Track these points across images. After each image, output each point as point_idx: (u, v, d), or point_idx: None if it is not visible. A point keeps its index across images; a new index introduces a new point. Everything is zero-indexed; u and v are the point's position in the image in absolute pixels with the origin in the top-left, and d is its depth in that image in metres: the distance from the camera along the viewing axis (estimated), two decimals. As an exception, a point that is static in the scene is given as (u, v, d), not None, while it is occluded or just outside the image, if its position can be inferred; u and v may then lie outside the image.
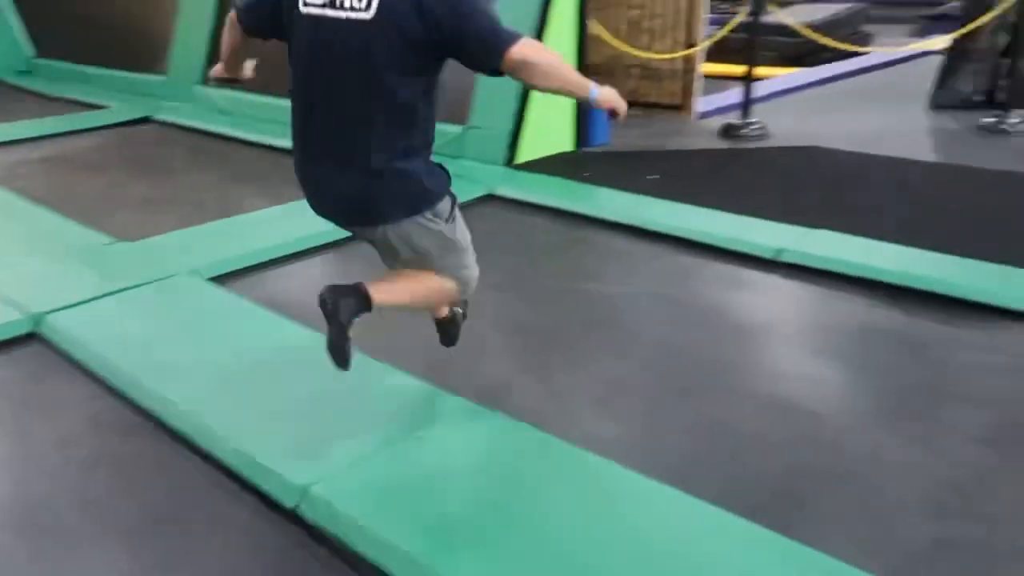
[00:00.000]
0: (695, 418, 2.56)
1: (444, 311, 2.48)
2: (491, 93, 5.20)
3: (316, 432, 2.36)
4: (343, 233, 2.38)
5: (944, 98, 6.59)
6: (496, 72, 1.89)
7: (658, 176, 4.89)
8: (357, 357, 2.21)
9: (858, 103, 7.07)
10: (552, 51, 1.91)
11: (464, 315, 2.60)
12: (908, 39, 11.87)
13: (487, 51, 1.84)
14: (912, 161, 5.14)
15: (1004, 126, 5.76)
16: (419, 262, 2.15)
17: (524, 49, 1.82)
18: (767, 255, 3.70)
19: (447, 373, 2.73)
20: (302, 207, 2.28)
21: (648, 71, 6.69)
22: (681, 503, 2.05)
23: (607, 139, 5.84)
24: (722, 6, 15.00)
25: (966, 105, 6.46)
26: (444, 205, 2.11)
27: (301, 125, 2.07)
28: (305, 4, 1.93)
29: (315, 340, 2.38)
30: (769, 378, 2.82)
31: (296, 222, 3.63)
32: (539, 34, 5.03)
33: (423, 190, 2.05)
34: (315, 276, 3.67)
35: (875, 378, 2.80)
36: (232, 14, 2.21)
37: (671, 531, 1.97)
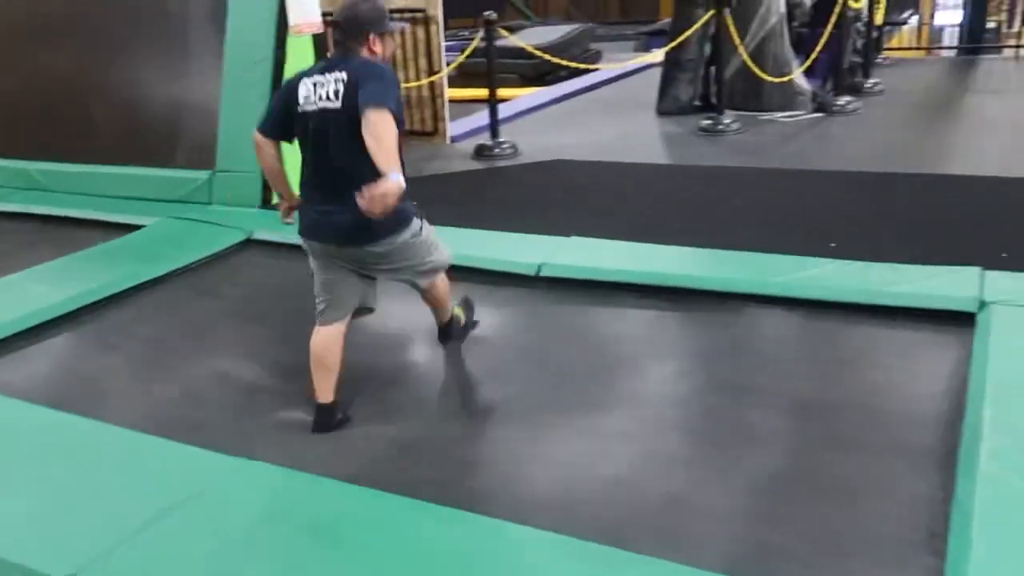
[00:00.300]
0: (481, 448, 2.60)
1: (446, 316, 3.15)
2: (236, 132, 5.01)
3: (75, 520, 2.15)
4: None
5: (667, 105, 7.23)
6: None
7: (416, 203, 4.94)
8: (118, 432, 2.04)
9: (595, 115, 7.58)
10: (390, 132, 2.41)
11: (473, 322, 3.29)
12: (632, 54, 12.90)
13: (375, 104, 2.40)
14: (646, 164, 5.59)
15: (720, 126, 6.41)
16: (416, 263, 2.85)
17: (373, 114, 2.40)
18: (529, 272, 3.84)
19: (234, 440, 2.60)
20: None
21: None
22: (489, 528, 2.08)
23: (364, 171, 5.83)
24: (461, 32, 15.57)
25: (686, 110, 7.13)
26: (415, 223, 2.80)
27: (310, 181, 2.75)
28: (300, 106, 2.65)
29: (61, 421, 2.17)
30: (547, 400, 2.94)
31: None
32: (277, 73, 4.92)
33: (400, 217, 2.65)
34: (52, 352, 3.36)
35: (649, 381, 3.01)
36: (257, 135, 2.79)
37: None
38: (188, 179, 5.16)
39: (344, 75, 2.54)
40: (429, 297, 3.05)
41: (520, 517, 2.13)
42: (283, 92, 2.77)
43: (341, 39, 2.65)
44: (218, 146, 5.11)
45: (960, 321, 3.05)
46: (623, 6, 19.73)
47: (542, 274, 3.81)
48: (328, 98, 2.56)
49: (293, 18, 4.95)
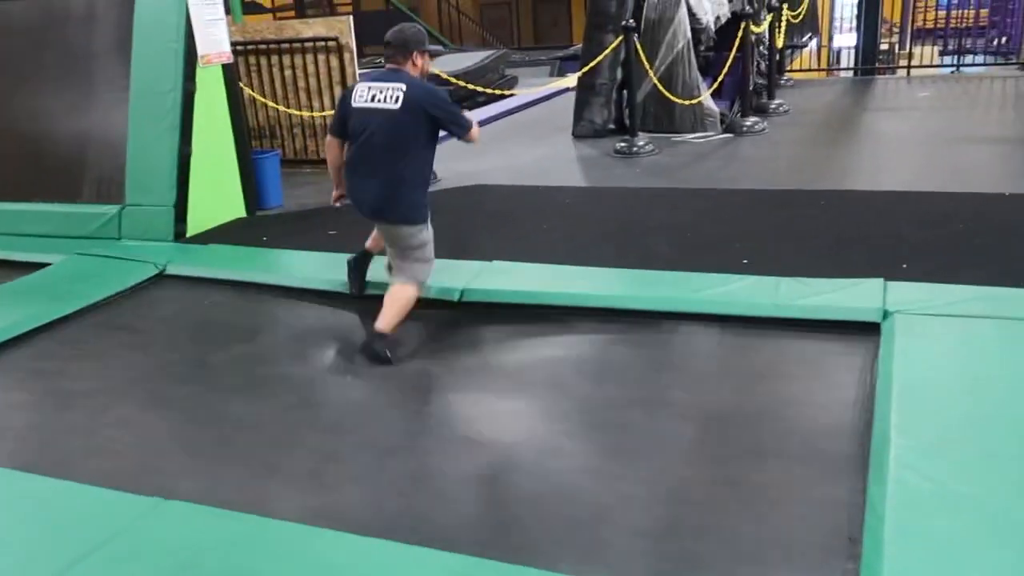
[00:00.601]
0: (408, 472, 2.58)
1: (385, 327, 3.37)
2: (144, 165, 4.90)
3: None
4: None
5: (582, 129, 7.36)
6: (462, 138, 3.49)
7: (336, 232, 4.91)
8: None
9: (513, 140, 7.65)
10: (477, 130, 3.51)
11: (389, 355, 3.37)
12: (547, 79, 13.10)
13: (459, 128, 3.40)
14: (564, 188, 5.67)
15: (634, 148, 6.56)
16: (408, 249, 3.45)
17: (473, 131, 3.48)
18: (452, 297, 3.85)
19: (153, 478, 2.51)
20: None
21: (313, 129, 6.71)
22: (404, 553, 2.06)
23: (280, 200, 5.76)
24: (377, 60, 15.55)
25: (601, 133, 7.27)
26: (423, 223, 3.47)
27: (356, 165, 3.44)
28: (355, 104, 3.36)
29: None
30: (473, 421, 2.94)
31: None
32: (187, 103, 4.84)
33: (417, 210, 3.43)
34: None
35: (572, 399, 3.04)
36: (329, 137, 3.57)
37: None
38: (96, 214, 5.00)
39: (403, 87, 3.28)
40: (390, 297, 3.43)
41: (443, 538, 2.12)
42: (342, 98, 3.51)
43: (392, 55, 3.36)
44: (127, 179, 4.97)
45: (866, 331, 3.17)
46: (537, 32, 20.04)
47: (464, 299, 3.82)
48: (387, 100, 3.29)
49: (202, 48, 4.88)
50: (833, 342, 3.22)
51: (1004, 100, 7.98)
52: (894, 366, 2.74)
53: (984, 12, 16.99)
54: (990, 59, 12.91)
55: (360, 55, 19.18)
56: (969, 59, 11.12)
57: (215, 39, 4.98)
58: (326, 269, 4.28)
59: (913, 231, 4.19)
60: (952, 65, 10.41)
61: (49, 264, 4.63)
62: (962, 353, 2.87)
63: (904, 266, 3.68)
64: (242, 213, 5.37)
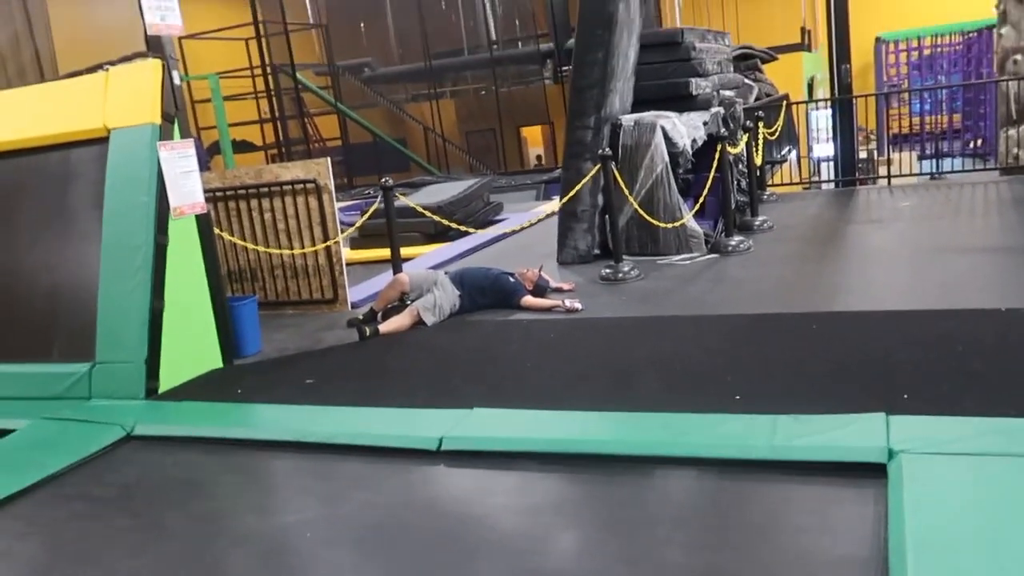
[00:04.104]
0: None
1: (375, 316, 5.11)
2: (115, 321, 4.77)
3: None
4: None
5: (567, 255, 7.31)
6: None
7: (313, 380, 4.74)
8: None
9: (499, 269, 7.57)
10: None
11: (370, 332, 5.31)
12: (533, 202, 13.26)
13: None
14: (546, 320, 5.52)
15: (620, 274, 6.47)
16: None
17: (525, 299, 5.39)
18: (431, 447, 3.65)
19: None
20: None
21: (294, 270, 6.65)
22: None
23: (259, 347, 5.61)
24: (366, 191, 15.82)
25: (586, 259, 7.21)
26: (432, 292, 5.45)
27: None
28: None
29: None
30: (446, 587, 2.69)
31: None
32: (158, 257, 4.75)
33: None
34: None
35: (555, 558, 2.80)
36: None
37: None
38: (65, 374, 4.83)
39: None
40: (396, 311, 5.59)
41: None
42: None
43: None
44: (98, 336, 4.83)
45: (871, 472, 2.96)
46: (522, 156, 20.50)
47: (444, 448, 3.62)
48: None
49: (174, 201, 4.84)
50: (837, 487, 3.00)
51: (986, 206, 7.98)
52: (906, 519, 2.52)
53: (957, 116, 17.51)
54: (968, 162, 13.14)
55: (350, 186, 19.66)
56: (947, 163, 11.27)
57: (188, 191, 4.94)
58: (298, 422, 4.09)
59: (910, 355, 4.02)
60: (931, 173, 10.52)
61: (13, 431, 4.43)
62: (977, 499, 2.64)
63: (905, 396, 3.50)
64: (218, 363, 5.21)
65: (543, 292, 6.06)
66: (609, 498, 3.18)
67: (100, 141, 5.01)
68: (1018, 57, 9.65)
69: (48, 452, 4.05)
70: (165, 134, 4.88)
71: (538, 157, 20.31)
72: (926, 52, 19.67)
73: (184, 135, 5.03)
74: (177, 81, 5.00)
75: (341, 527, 3.14)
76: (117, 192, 4.85)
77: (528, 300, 5.83)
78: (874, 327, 4.55)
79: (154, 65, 4.91)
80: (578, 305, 5.65)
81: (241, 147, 18.67)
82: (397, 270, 6.33)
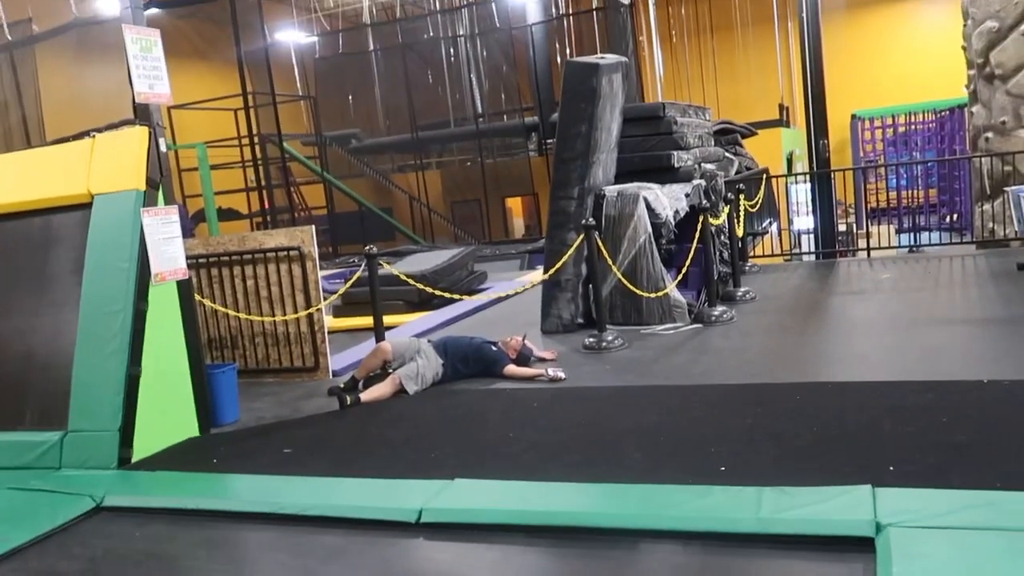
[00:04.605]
0: None
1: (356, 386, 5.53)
2: (90, 388, 4.69)
3: None
4: None
5: (550, 325, 7.30)
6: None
7: (291, 450, 4.65)
8: None
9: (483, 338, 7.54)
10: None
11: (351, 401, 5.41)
12: (517, 272, 13.31)
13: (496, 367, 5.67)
14: (529, 389, 5.47)
15: (603, 343, 6.45)
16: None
17: (509, 368, 5.69)
18: (410, 519, 3.56)
19: None
20: None
21: (275, 338, 6.59)
22: None
23: (237, 415, 5.51)
24: (351, 259, 15.85)
25: (570, 328, 7.20)
26: (415, 361, 5.70)
27: None
28: None
29: None
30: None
31: None
32: (137, 323, 4.70)
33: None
34: None
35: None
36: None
37: None
38: (36, 442, 4.71)
39: None
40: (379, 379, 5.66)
41: None
42: None
43: None
44: (71, 403, 4.73)
45: (859, 546, 2.91)
46: (507, 226, 20.67)
47: (423, 520, 3.53)
48: None
49: (156, 267, 4.81)
50: (825, 561, 2.93)
51: (964, 279, 8.07)
52: (895, 595, 2.46)
53: (933, 191, 17.88)
54: (945, 236, 13.36)
55: (335, 254, 19.66)
56: (925, 236, 11.45)
57: (170, 256, 4.92)
58: (274, 492, 3.99)
59: (895, 426, 4.00)
60: (909, 246, 10.68)
61: (-22, 501, 4.29)
62: (965, 574, 2.59)
63: (891, 468, 3.46)
64: (195, 432, 5.10)
65: (526, 361, 6.02)
66: (592, 573, 3.09)
67: (84, 207, 5.01)
68: (989, 135, 9.92)
69: (13, 524, 3.91)
70: (149, 200, 4.88)
71: (527, 227, 20.51)
72: (900, 129, 20.21)
73: (168, 201, 5.04)
74: (163, 148, 5.02)
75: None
76: (98, 257, 4.82)
77: (511, 369, 5.78)
78: (858, 398, 4.54)
79: (141, 132, 4.95)
80: (561, 374, 5.62)
81: (227, 215, 18.72)
82: (380, 338, 6.29)
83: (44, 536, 3.82)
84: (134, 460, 4.68)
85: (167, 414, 4.93)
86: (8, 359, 5.12)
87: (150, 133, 4.96)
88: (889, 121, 20.27)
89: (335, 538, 3.59)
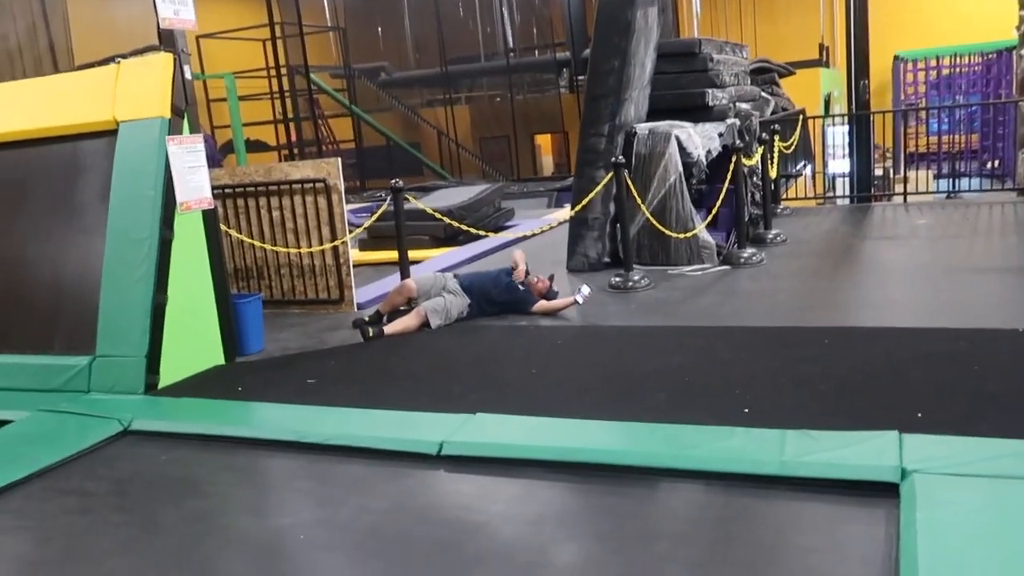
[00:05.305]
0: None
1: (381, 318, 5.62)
2: (117, 314, 4.72)
3: None
4: None
5: (576, 263, 7.24)
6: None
7: (314, 381, 4.67)
8: None
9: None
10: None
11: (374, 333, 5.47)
12: (545, 209, 13.20)
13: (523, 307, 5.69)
14: (553, 327, 5.45)
15: (630, 283, 6.39)
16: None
17: (539, 304, 5.69)
18: (431, 451, 3.58)
19: None
20: None
21: (301, 269, 6.59)
22: None
23: (262, 345, 5.55)
24: (378, 193, 15.80)
25: (596, 267, 7.14)
26: (443, 296, 5.72)
27: None
28: None
29: None
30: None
31: None
32: (163, 251, 4.70)
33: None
34: None
35: (555, 571, 2.71)
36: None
37: None
38: (65, 366, 4.78)
39: None
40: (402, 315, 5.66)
41: None
42: None
43: None
44: (99, 329, 4.78)
45: (883, 491, 2.87)
46: (535, 164, 20.46)
47: (444, 453, 3.55)
48: None
49: (181, 196, 4.79)
50: (847, 506, 2.90)
51: (1004, 227, 7.86)
52: (918, 541, 2.43)
53: (975, 137, 17.36)
54: (985, 183, 13.00)
55: (362, 189, 19.62)
56: (964, 183, 11.14)
57: (195, 186, 4.90)
58: (297, 422, 4.02)
59: (925, 373, 3.93)
60: (947, 192, 10.41)
61: (11, 422, 4.38)
62: (991, 522, 2.55)
63: (919, 415, 3.40)
64: (220, 361, 5.15)
65: (553, 298, 5.99)
66: (612, 510, 3.09)
67: (109, 133, 4.98)
68: (1039, 77, 9.55)
69: (42, 445, 3.99)
70: (174, 128, 4.84)
71: (556, 165, 20.28)
72: (944, 72, 19.52)
73: (194, 130, 4.99)
74: (188, 76, 4.96)
75: (335, 531, 3.07)
76: (124, 185, 4.81)
77: (542, 304, 5.79)
78: (888, 344, 4.45)
79: (165, 59, 4.88)
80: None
81: (255, 147, 18.70)
82: (405, 272, 6.27)
83: (72, 457, 3.89)
84: (161, 386, 4.74)
85: (193, 342, 4.97)
86: (39, 285, 5.17)
87: (175, 60, 4.89)
88: (933, 63, 19.58)
89: (356, 468, 3.62)
